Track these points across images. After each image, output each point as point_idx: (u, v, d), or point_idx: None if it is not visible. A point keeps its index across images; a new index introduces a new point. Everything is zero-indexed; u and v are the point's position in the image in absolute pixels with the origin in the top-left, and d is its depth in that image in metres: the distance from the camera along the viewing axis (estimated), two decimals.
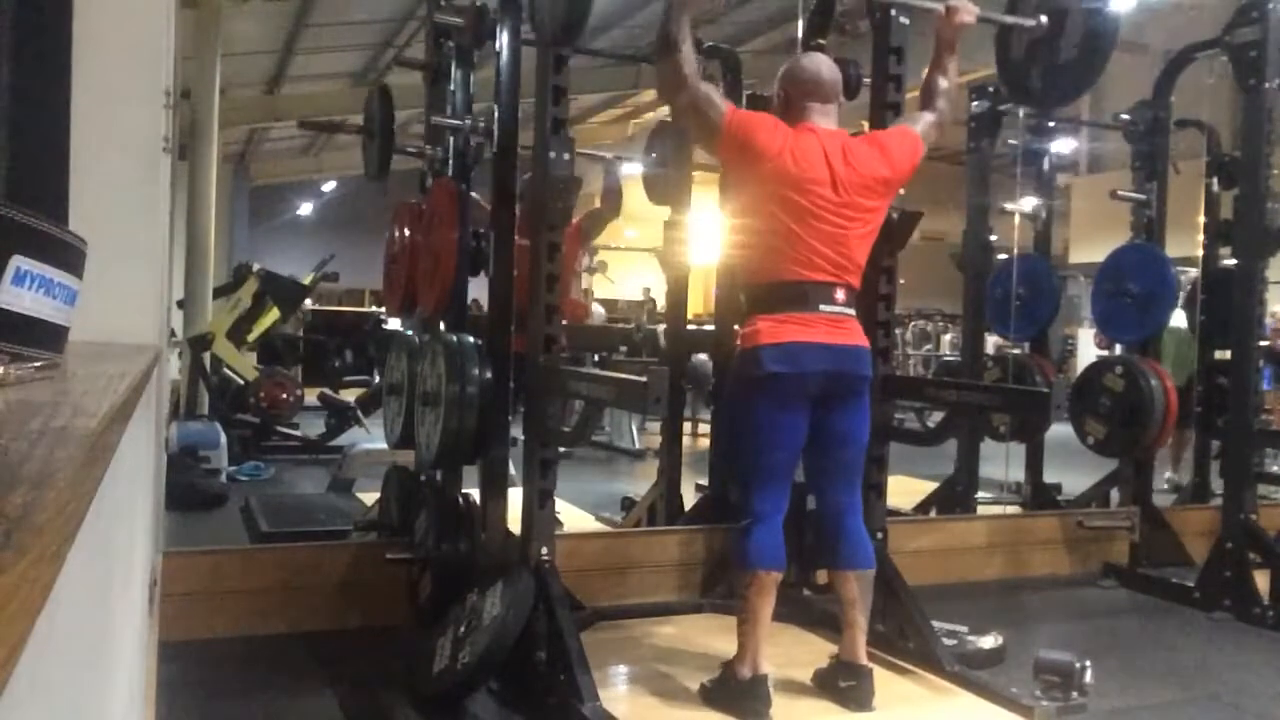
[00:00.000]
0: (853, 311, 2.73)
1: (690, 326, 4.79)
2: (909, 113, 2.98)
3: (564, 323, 3.32)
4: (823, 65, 2.81)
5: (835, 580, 2.83)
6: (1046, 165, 5.53)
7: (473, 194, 3.65)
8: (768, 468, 2.73)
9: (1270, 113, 4.10)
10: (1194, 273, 5.26)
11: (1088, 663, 2.90)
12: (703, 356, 4.42)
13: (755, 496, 2.74)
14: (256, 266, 8.35)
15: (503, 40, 3.32)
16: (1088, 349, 10.07)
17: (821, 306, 2.65)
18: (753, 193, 2.71)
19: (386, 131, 4.06)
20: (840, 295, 2.68)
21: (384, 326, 9.08)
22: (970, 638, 3.33)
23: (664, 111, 4.74)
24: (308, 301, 9.55)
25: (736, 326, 3.75)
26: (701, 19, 2.71)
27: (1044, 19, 3.16)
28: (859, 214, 2.68)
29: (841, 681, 2.74)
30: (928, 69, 2.96)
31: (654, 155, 4.60)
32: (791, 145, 2.63)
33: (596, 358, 6.04)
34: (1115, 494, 5.06)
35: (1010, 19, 3.25)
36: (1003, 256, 5.35)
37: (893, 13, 3.20)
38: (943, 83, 2.91)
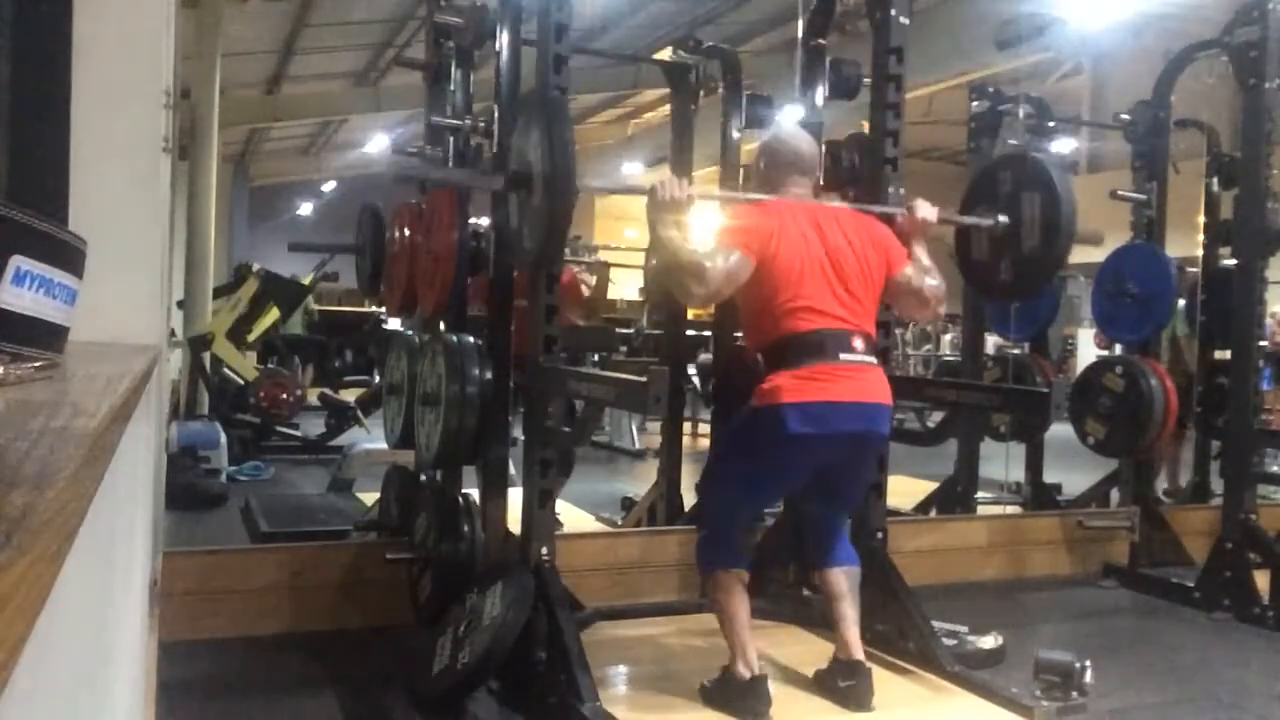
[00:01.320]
0: (875, 360, 2.67)
1: (690, 332, 4.78)
2: None
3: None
4: (801, 140, 2.91)
5: (822, 579, 2.85)
6: None
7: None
8: (749, 510, 2.79)
9: (1270, 113, 4.10)
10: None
11: (1088, 663, 2.90)
12: (707, 356, 4.41)
13: (722, 521, 2.78)
14: (256, 267, 8.35)
15: (503, 40, 3.32)
16: (1088, 349, 10.06)
17: (842, 355, 2.58)
18: (760, 271, 2.64)
19: (377, 249, 4.23)
20: (859, 344, 2.61)
21: (384, 326, 9.09)
22: (970, 638, 3.32)
23: (663, 113, 4.72)
24: (313, 304, 9.57)
25: (737, 335, 3.75)
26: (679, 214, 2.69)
27: (1003, 218, 3.06)
28: (855, 258, 2.66)
29: (841, 681, 2.74)
30: None
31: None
32: (779, 216, 2.64)
33: (596, 358, 6.04)
34: (1115, 494, 5.06)
35: (970, 220, 3.16)
36: None
37: (893, 12, 3.20)
38: (919, 271, 2.82)
